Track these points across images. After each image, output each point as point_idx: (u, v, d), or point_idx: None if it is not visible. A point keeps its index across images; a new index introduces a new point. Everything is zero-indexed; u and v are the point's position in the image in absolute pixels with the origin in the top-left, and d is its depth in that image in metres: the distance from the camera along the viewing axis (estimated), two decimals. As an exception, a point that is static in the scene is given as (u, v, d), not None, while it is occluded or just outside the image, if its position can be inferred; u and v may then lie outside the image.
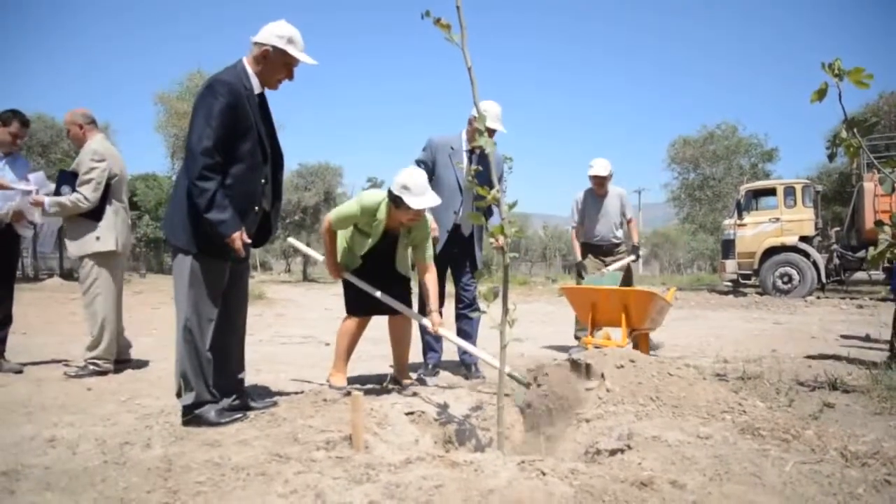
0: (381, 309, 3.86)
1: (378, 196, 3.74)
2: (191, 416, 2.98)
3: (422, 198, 3.54)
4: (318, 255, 3.96)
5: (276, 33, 3.03)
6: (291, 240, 4.43)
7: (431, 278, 3.88)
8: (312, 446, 2.38)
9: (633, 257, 5.88)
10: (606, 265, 5.73)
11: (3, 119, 4.67)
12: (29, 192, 4.61)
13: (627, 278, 5.88)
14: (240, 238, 2.92)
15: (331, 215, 3.80)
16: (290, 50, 3.04)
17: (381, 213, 3.70)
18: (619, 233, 5.98)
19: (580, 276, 5.85)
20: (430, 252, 3.94)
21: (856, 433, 2.65)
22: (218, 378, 3.12)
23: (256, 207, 3.11)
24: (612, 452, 2.38)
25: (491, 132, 4.33)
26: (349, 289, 3.92)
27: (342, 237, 3.93)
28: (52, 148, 22.69)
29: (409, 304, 3.97)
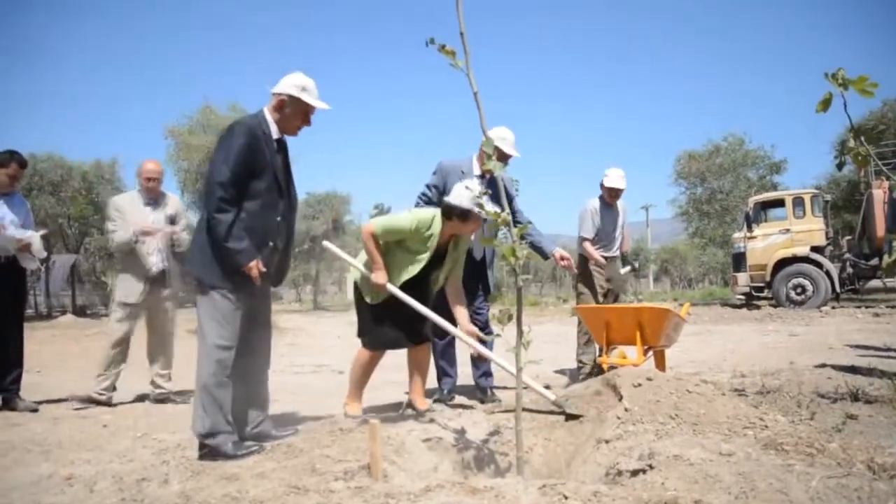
0: (399, 343, 3.78)
1: (429, 210, 3.74)
2: (207, 447, 3.04)
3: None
4: (354, 262, 3.79)
5: (291, 83, 3.27)
6: (327, 243, 4.35)
7: (461, 296, 3.84)
8: (331, 477, 2.36)
9: (628, 268, 5.77)
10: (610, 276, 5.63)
11: (1, 161, 4.72)
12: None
13: (617, 295, 5.79)
14: (256, 267, 3.08)
15: (375, 224, 3.65)
16: (304, 97, 3.25)
17: (436, 227, 3.63)
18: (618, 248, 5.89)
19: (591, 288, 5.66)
20: (461, 267, 3.90)
21: (881, 445, 2.60)
22: (238, 410, 3.21)
23: (271, 243, 3.26)
24: (634, 473, 2.35)
25: (506, 157, 4.39)
26: (367, 321, 3.78)
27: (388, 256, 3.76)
28: (63, 186, 22.90)
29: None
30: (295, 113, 3.29)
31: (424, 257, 3.66)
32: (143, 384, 5.20)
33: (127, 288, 4.93)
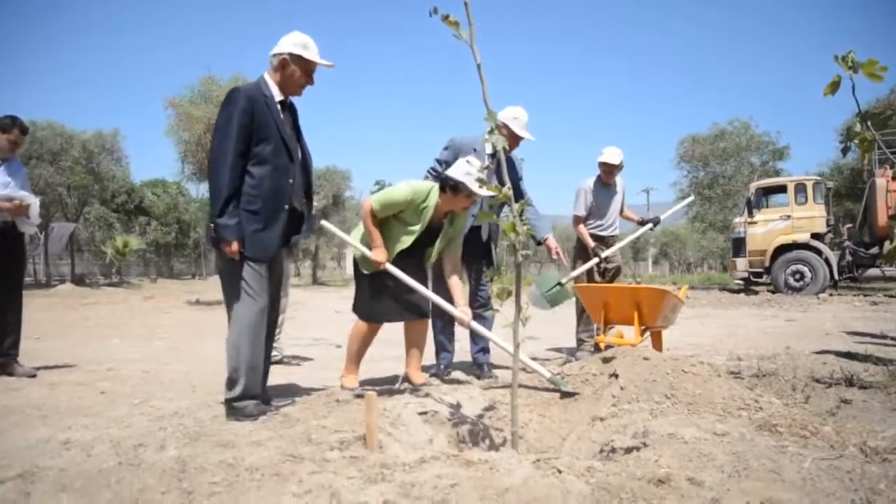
0: (396, 316, 3.79)
1: (426, 182, 3.74)
2: (231, 408, 3.13)
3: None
4: (354, 241, 3.79)
5: (290, 42, 3.24)
6: (325, 223, 4.33)
7: (459, 272, 3.85)
8: (326, 446, 2.37)
9: (650, 225, 5.71)
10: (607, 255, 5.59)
11: (3, 126, 4.69)
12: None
13: (616, 273, 5.78)
14: (233, 247, 3.06)
15: (373, 200, 3.65)
16: (306, 54, 3.23)
17: (432, 200, 3.64)
18: (618, 227, 5.86)
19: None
20: (460, 245, 3.90)
21: (874, 429, 2.62)
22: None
23: (286, 206, 3.24)
24: (628, 450, 2.37)
25: (517, 139, 4.40)
26: (365, 293, 3.79)
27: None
28: (62, 156, 22.81)
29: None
30: (298, 71, 3.26)
31: (416, 229, 3.67)
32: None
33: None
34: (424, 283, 3.82)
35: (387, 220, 3.70)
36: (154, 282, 27.63)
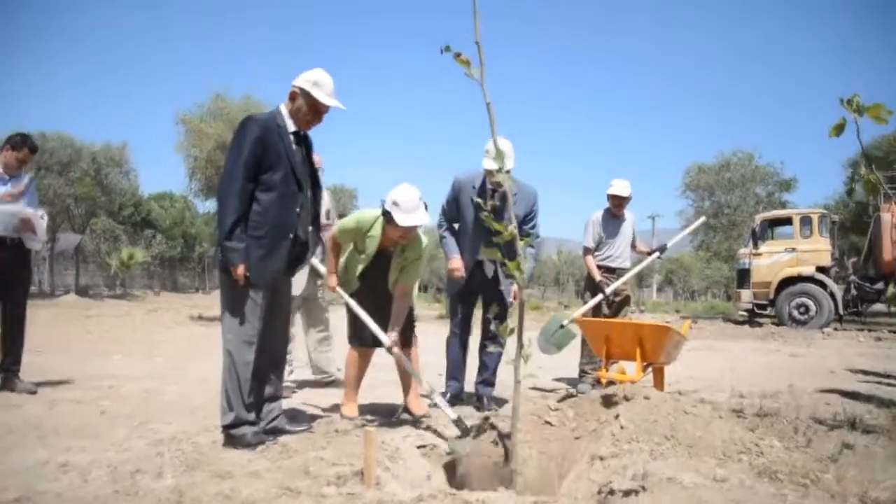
0: (375, 342, 3.80)
1: (376, 212, 3.77)
2: (229, 435, 3.13)
3: (410, 215, 3.52)
4: (319, 266, 4.06)
5: (305, 77, 3.29)
6: (314, 261, 4.32)
7: (405, 300, 3.82)
8: (323, 481, 2.37)
9: (657, 254, 5.70)
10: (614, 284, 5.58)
11: (13, 144, 4.74)
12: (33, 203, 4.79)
13: (623, 302, 5.77)
14: (240, 271, 3.09)
15: (335, 228, 3.90)
16: (314, 92, 3.25)
17: (376, 230, 3.72)
18: (629, 259, 5.86)
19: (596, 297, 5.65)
20: (415, 275, 3.89)
21: (876, 478, 2.59)
22: (255, 400, 3.29)
23: (291, 234, 3.28)
24: (627, 493, 2.35)
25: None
26: (350, 319, 3.95)
27: (344, 255, 3.97)
28: (71, 167, 22.98)
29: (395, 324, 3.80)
30: (305, 107, 3.29)
31: (364, 257, 3.81)
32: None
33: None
34: (391, 304, 3.83)
35: (351, 247, 3.92)
36: (157, 295, 27.68)
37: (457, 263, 4.39)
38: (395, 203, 3.52)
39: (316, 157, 5.14)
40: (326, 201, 5.24)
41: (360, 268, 3.84)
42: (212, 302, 21.14)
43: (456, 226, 4.56)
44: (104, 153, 24.38)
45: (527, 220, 4.40)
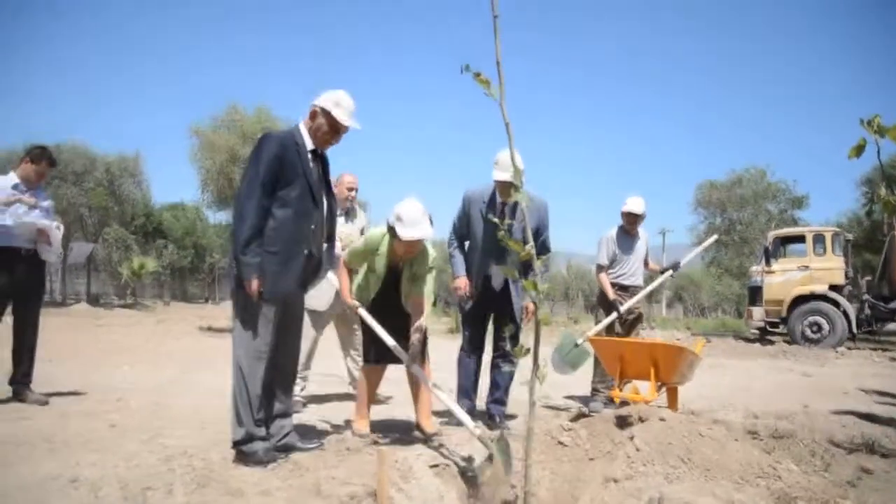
0: (392, 358, 3.80)
1: (382, 229, 3.78)
2: (240, 452, 3.11)
3: (413, 228, 3.51)
4: (336, 282, 4.06)
5: (326, 97, 3.33)
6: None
7: (419, 312, 3.78)
8: (336, 500, 2.34)
9: (670, 272, 5.65)
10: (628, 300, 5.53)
11: (33, 157, 4.79)
12: (47, 214, 4.84)
13: (636, 320, 5.72)
14: (253, 286, 3.09)
15: (344, 253, 3.94)
16: (334, 112, 3.30)
17: (383, 247, 3.75)
18: (642, 277, 5.81)
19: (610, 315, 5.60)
20: (427, 287, 3.86)
21: (898, 506, 2.54)
22: (266, 416, 3.27)
23: (306, 250, 3.30)
24: (643, 518, 2.31)
25: (507, 184, 4.30)
26: (364, 336, 3.96)
27: (359, 275, 3.97)
28: (86, 177, 23.20)
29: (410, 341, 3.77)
30: (324, 126, 3.33)
31: (378, 275, 3.82)
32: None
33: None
34: (406, 319, 3.81)
35: (365, 267, 3.91)
36: (167, 305, 27.79)
37: (461, 282, 4.39)
38: (398, 217, 3.53)
39: (350, 178, 5.21)
40: (362, 219, 5.41)
41: (376, 285, 3.85)
42: (221, 312, 21.19)
43: (467, 243, 4.54)
44: (118, 164, 24.62)
45: (538, 233, 4.36)
